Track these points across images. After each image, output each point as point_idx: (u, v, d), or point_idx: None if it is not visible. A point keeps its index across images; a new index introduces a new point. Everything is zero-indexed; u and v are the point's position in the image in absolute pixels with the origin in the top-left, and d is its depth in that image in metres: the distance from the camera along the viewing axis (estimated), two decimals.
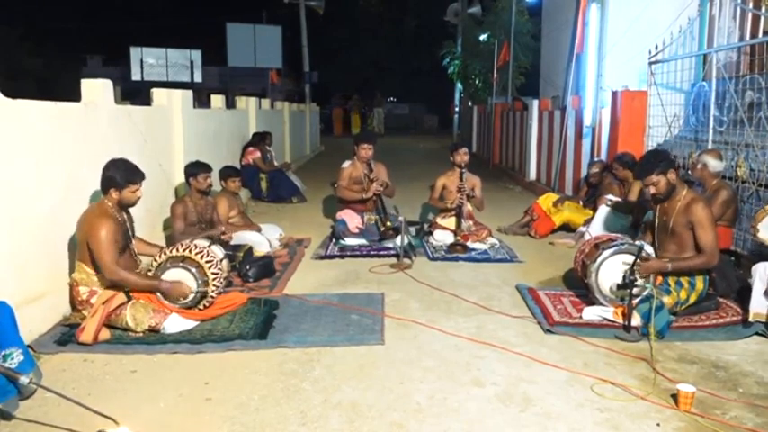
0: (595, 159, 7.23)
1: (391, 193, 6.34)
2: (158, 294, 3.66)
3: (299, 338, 3.54)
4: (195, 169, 5.12)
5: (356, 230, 6.04)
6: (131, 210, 3.90)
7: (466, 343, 3.54)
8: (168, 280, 3.68)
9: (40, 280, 3.68)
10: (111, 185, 3.66)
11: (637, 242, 3.97)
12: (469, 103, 20.15)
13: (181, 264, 3.72)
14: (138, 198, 3.75)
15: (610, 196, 6.09)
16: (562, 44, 10.46)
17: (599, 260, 3.95)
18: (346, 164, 6.28)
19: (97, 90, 4.52)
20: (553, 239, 6.27)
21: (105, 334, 3.48)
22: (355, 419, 2.67)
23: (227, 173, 5.82)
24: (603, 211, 5.96)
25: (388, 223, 5.84)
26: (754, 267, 3.76)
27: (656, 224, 4.10)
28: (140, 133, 5.27)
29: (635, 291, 3.70)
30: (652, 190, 3.93)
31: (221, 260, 4.01)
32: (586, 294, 4.13)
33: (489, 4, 19.18)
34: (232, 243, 5.20)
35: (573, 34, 9.05)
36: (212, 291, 3.75)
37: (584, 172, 7.72)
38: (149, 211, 5.30)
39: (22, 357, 2.76)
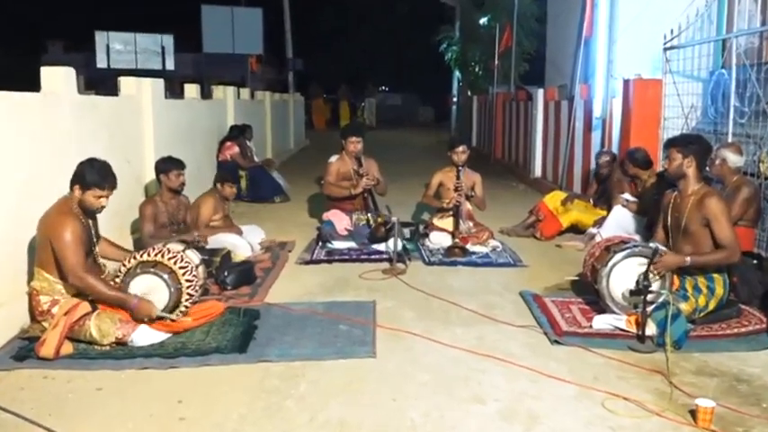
0: (603, 149, 7.25)
1: (382, 191, 6.34)
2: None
3: (282, 351, 3.53)
4: (167, 165, 5.10)
5: (345, 232, 6.04)
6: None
7: (465, 355, 3.54)
8: (138, 295, 3.64)
9: None
10: (77, 182, 3.66)
11: (651, 244, 3.99)
12: (468, 93, 20.18)
13: (152, 269, 3.70)
14: (101, 207, 3.72)
15: (626, 195, 6.10)
16: (569, 28, 10.49)
17: (610, 264, 3.96)
18: (334, 159, 6.29)
19: (59, 79, 4.49)
20: (560, 242, 6.29)
21: (68, 348, 3.46)
22: None
23: (225, 177, 5.92)
24: (617, 211, 5.98)
25: (380, 219, 5.84)
26: None
27: (669, 223, 4.12)
28: (106, 126, 5.24)
29: (649, 297, 3.71)
30: (667, 163, 4.10)
31: (197, 266, 3.99)
32: (597, 301, 4.14)
33: None
34: (209, 247, 5.18)
35: (581, 17, 9.08)
36: (186, 300, 3.74)
37: (592, 166, 7.74)
38: (116, 213, 5.27)
39: None
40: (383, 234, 5.84)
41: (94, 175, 3.64)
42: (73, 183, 3.67)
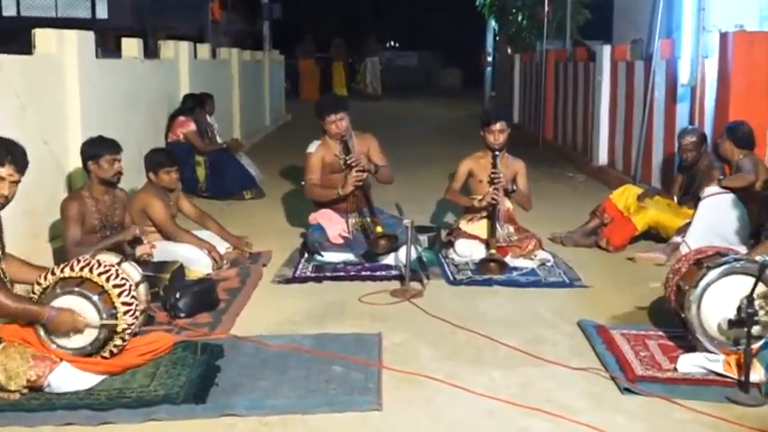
0: (689, 127, 7.22)
1: (387, 179, 6.32)
2: (40, 330, 3.65)
3: (253, 402, 3.54)
4: (98, 149, 5.11)
5: (339, 240, 6.04)
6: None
7: (504, 408, 3.54)
8: (55, 306, 3.65)
9: None
10: None
11: (758, 257, 3.97)
12: (508, 51, 20.16)
13: (77, 289, 3.71)
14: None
15: (712, 188, 6.06)
16: None
17: (702, 284, 3.95)
18: (314, 146, 6.23)
19: None
20: (634, 253, 6.28)
21: None
22: None
23: (158, 161, 5.83)
24: (708, 207, 5.94)
25: (379, 228, 5.81)
26: None
27: None
28: (16, 95, 5.26)
29: (755, 330, 3.70)
30: None
31: (137, 284, 4.00)
32: (684, 335, 4.14)
33: None
34: (155, 259, 5.19)
35: None
36: (123, 329, 3.75)
37: (677, 150, 7.71)
38: (29, 213, 5.29)
39: None
40: (385, 248, 5.83)
41: None
42: None
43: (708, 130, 7.37)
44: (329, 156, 6.19)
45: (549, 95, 14.27)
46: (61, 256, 5.05)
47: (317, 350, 4.15)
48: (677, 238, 6.09)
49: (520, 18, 19.47)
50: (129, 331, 3.78)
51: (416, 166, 10.20)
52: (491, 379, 3.88)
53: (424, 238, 6.25)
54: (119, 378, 3.73)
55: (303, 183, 6.33)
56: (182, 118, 8.92)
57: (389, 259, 5.88)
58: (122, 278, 3.83)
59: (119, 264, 3.99)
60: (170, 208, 5.79)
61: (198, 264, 5.49)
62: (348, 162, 6.02)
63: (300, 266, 5.91)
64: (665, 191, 7.09)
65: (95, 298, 3.69)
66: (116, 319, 3.72)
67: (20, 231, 5.05)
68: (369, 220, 6.01)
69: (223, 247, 6.03)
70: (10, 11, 20.80)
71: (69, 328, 3.64)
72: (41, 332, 3.65)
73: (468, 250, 5.99)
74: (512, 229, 6.14)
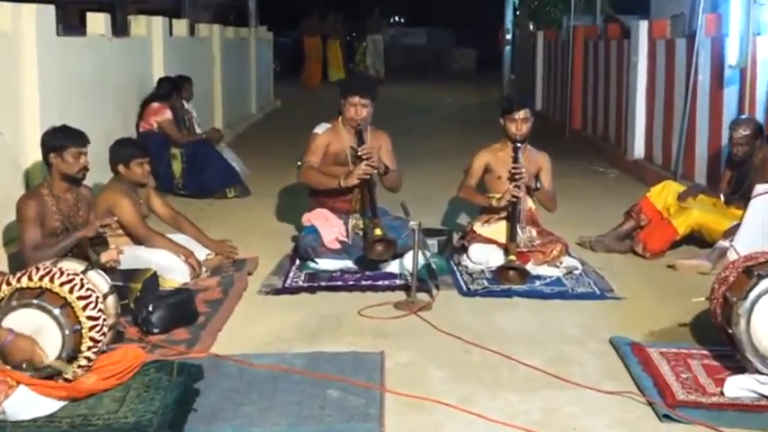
0: (741, 117, 7.20)
1: (393, 185, 6.32)
2: None
3: (237, 430, 3.54)
4: (62, 140, 5.10)
5: (336, 245, 6.04)
6: None
7: None
8: (13, 329, 3.65)
9: None
10: None
11: None
12: (531, 27, 20.19)
13: (35, 301, 3.70)
14: None
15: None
16: None
17: (752, 296, 3.94)
18: (322, 128, 6.25)
19: None
20: (675, 260, 6.28)
21: None
22: None
23: (128, 152, 5.81)
24: (759, 207, 5.93)
25: (378, 231, 5.81)
26: None
27: None
28: None
29: None
30: None
31: (105, 296, 4.00)
32: (731, 354, 4.14)
33: None
34: (124, 267, 5.19)
35: None
36: (89, 348, 3.75)
37: (724, 141, 7.70)
38: None
39: None
40: (381, 255, 5.82)
41: None
42: None
43: (759, 117, 7.36)
44: (336, 144, 6.19)
45: (577, 79, 14.27)
46: (18, 263, 5.05)
47: (311, 371, 4.15)
48: (724, 243, 6.08)
49: None
50: (95, 350, 3.78)
51: (425, 161, 10.20)
52: (509, 404, 3.87)
53: (433, 242, 6.25)
54: (83, 403, 3.72)
55: (299, 163, 6.30)
56: (156, 105, 8.91)
57: (393, 267, 5.89)
58: (88, 289, 3.81)
59: (84, 272, 3.98)
60: (140, 207, 5.77)
61: (173, 272, 5.49)
62: (359, 153, 6.02)
63: (291, 275, 5.92)
64: (710, 188, 7.07)
65: (57, 311, 3.68)
66: (81, 336, 3.71)
67: None
68: (367, 219, 6.00)
69: (203, 252, 6.03)
70: None
71: (25, 359, 3.60)
72: None
73: (484, 256, 6.00)
74: (534, 232, 6.15)
